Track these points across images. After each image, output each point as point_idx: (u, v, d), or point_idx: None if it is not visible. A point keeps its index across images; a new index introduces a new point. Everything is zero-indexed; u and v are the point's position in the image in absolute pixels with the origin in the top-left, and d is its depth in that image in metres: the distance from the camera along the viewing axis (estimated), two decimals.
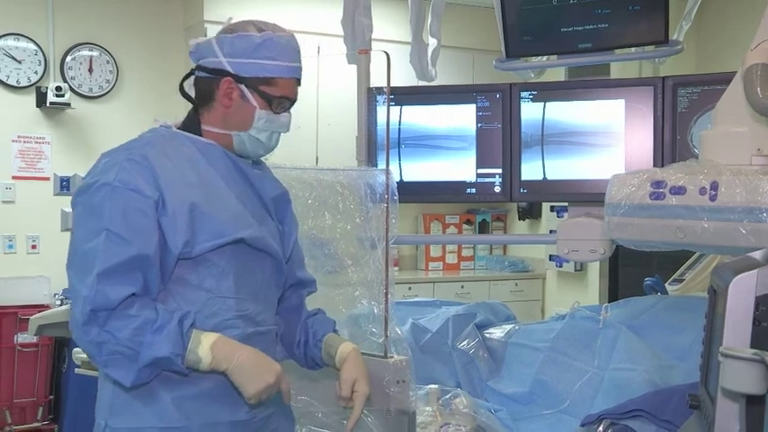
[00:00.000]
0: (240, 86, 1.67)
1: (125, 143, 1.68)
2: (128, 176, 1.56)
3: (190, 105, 1.74)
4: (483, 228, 6.50)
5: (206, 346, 1.55)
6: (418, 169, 2.57)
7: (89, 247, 1.54)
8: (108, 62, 5.38)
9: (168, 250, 1.57)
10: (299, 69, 1.72)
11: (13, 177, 5.13)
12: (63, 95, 5.14)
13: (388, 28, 4.75)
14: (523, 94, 2.48)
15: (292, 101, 1.73)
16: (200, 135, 1.70)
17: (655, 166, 2.29)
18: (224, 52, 1.67)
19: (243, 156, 1.74)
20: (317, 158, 5.60)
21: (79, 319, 1.52)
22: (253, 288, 1.69)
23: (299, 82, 1.73)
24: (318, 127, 5.79)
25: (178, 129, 1.72)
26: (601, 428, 1.94)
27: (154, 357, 1.52)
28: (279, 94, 1.69)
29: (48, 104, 5.13)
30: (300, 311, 1.91)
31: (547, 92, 2.48)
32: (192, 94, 1.74)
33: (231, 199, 1.66)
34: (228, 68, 1.66)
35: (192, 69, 1.74)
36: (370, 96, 2.57)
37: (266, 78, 1.67)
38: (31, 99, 5.19)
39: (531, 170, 2.48)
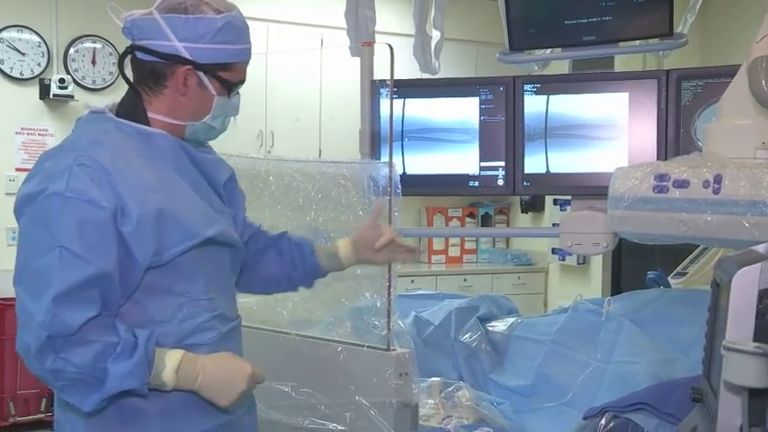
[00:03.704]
0: (198, 74, 1.53)
1: (67, 141, 1.53)
2: (80, 185, 1.41)
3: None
4: (486, 221, 6.50)
5: (170, 370, 1.45)
6: (421, 162, 2.57)
7: (40, 264, 1.39)
8: (111, 54, 5.37)
9: (135, 261, 1.44)
10: (251, 50, 1.62)
11: (17, 169, 5.13)
12: (66, 87, 5.14)
13: (392, 20, 4.74)
14: (527, 86, 2.48)
15: (244, 82, 1.63)
16: (147, 123, 1.55)
17: (658, 159, 2.28)
18: (179, 36, 1.50)
19: (191, 141, 1.61)
20: (320, 151, 5.60)
21: (32, 345, 1.38)
22: (220, 284, 1.61)
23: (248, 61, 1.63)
24: (321, 120, 5.80)
25: (119, 117, 1.55)
26: (603, 421, 1.93)
27: (121, 389, 1.42)
28: (236, 79, 1.58)
29: (51, 96, 5.14)
30: (271, 246, 1.89)
31: (550, 85, 2.48)
32: (128, 73, 1.58)
33: (192, 195, 1.55)
34: (186, 55, 1.51)
35: (129, 47, 1.56)
36: (373, 89, 2.57)
37: (226, 64, 1.55)
38: (34, 91, 5.19)
39: (534, 163, 2.47)
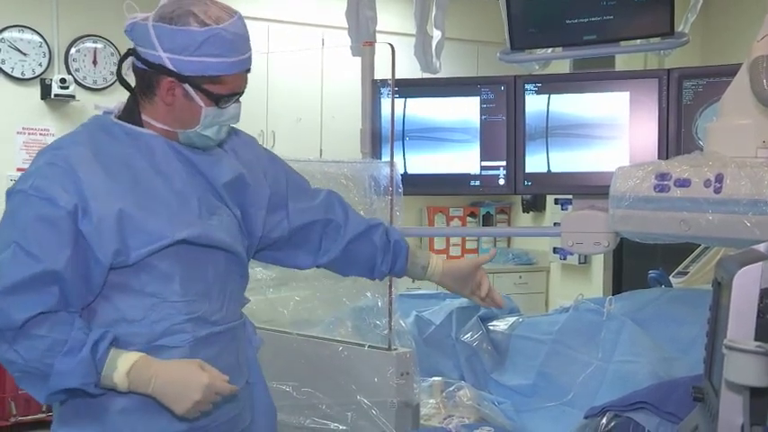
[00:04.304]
0: (183, 86, 1.51)
1: (57, 140, 1.57)
2: (43, 183, 1.44)
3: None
4: (487, 220, 6.50)
5: (122, 372, 1.45)
6: (422, 162, 2.57)
7: (0, 259, 1.44)
8: (112, 54, 5.38)
9: (96, 260, 1.45)
10: (248, 60, 1.55)
11: (18, 169, 5.13)
12: (67, 87, 5.16)
13: (393, 20, 4.74)
14: (528, 86, 2.47)
15: (241, 93, 1.58)
16: (141, 125, 1.56)
17: (659, 158, 2.28)
18: (163, 46, 1.48)
19: (191, 146, 1.59)
20: (321, 151, 5.60)
21: None
22: (204, 287, 1.57)
23: (248, 70, 1.57)
24: (323, 119, 5.80)
25: (118, 118, 1.57)
26: (604, 421, 1.93)
27: (62, 388, 1.44)
28: (226, 91, 1.54)
29: (52, 96, 5.16)
30: (366, 234, 1.87)
31: (551, 84, 2.47)
32: (131, 75, 1.58)
33: (168, 197, 1.53)
34: (169, 66, 1.49)
35: (129, 50, 1.56)
36: (374, 89, 2.56)
37: (212, 77, 1.51)
38: (35, 91, 5.20)
39: (535, 163, 2.47)
